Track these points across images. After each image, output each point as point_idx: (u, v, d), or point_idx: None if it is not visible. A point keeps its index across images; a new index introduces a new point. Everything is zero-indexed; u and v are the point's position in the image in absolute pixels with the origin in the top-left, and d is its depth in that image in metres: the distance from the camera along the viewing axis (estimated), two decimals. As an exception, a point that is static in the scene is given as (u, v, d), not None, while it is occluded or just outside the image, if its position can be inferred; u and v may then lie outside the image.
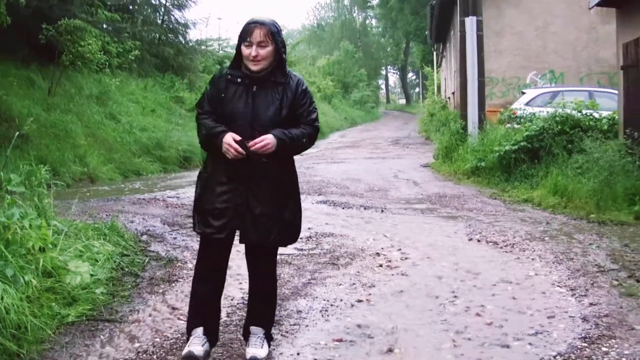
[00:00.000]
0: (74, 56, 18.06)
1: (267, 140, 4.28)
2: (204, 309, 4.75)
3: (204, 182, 4.59)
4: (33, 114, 15.67)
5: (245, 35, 4.36)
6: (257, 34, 4.32)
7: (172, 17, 29.09)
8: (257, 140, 4.27)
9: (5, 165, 6.81)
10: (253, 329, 4.80)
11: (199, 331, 4.69)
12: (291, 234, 4.70)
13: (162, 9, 28.64)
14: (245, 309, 5.13)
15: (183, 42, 28.99)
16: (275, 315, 5.08)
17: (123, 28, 23.17)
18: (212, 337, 4.78)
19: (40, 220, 6.43)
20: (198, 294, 4.75)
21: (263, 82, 4.44)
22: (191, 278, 5.11)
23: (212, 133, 4.40)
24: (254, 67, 4.38)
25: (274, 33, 4.37)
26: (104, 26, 21.94)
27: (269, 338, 4.87)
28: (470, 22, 17.44)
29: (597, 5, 13.49)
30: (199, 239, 4.83)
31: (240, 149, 4.24)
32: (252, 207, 4.43)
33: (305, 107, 4.53)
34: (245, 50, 4.38)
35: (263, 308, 4.84)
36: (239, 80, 4.46)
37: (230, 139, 4.27)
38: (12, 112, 15.59)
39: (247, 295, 5.02)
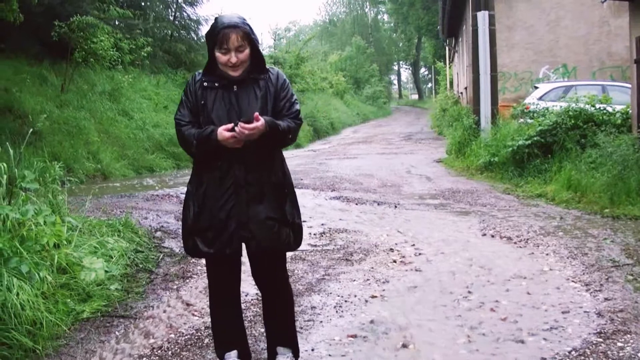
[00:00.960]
0: (86, 53, 18.17)
1: (259, 120, 3.97)
2: (230, 334, 4.51)
3: (201, 199, 4.25)
4: (46, 110, 15.78)
5: (220, 42, 4.07)
6: (234, 39, 4.05)
7: (184, 13, 29.24)
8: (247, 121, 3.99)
9: (19, 162, 6.81)
10: (280, 349, 4.53)
11: (232, 355, 4.47)
12: (297, 234, 4.42)
13: (174, 6, 28.77)
14: (261, 306, 5.00)
15: (195, 38, 29.11)
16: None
17: (135, 25, 23.27)
18: (246, 358, 4.56)
19: (54, 216, 6.46)
20: (219, 320, 4.51)
21: (242, 80, 4.19)
22: (205, 274, 5.12)
23: (202, 137, 4.09)
24: (234, 74, 4.15)
25: (249, 33, 4.11)
26: (116, 23, 22.05)
27: (297, 356, 4.58)
28: (482, 16, 17.39)
29: (610, -1, 13.42)
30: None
31: (238, 129, 3.95)
32: (256, 212, 4.18)
33: (287, 99, 4.29)
34: (222, 57, 4.11)
35: (285, 325, 4.55)
36: (216, 84, 4.20)
37: (222, 130, 4.00)
38: (25, 108, 15.65)
39: (262, 312, 4.71)
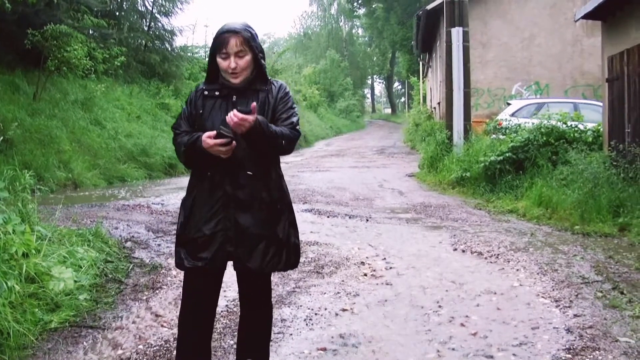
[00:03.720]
0: (59, 61, 18.05)
1: (249, 115, 3.78)
2: (195, 352, 4.25)
3: (188, 209, 4.13)
4: (18, 118, 15.66)
5: (220, 46, 4.00)
6: (234, 44, 3.97)
7: (158, 23, 29.18)
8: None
9: (-11, 170, 6.76)
10: None
11: None
12: (292, 254, 4.24)
13: (149, 16, 28.70)
14: (231, 317, 4.93)
15: (169, 48, 29.06)
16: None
17: (109, 34, 23.20)
18: None
19: (24, 225, 6.42)
20: (187, 335, 4.26)
21: (243, 91, 4.09)
22: (175, 285, 5.10)
23: (190, 142, 4.00)
24: (234, 80, 4.04)
25: (250, 40, 4.01)
26: (90, 32, 21.96)
27: None
28: (457, 32, 17.49)
29: (583, 18, 13.54)
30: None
31: (221, 137, 3.81)
32: (244, 227, 4.02)
33: (285, 109, 4.14)
34: (222, 63, 4.02)
35: (260, 340, 4.42)
36: (216, 93, 4.12)
37: (205, 137, 3.86)
38: (-4, 117, 15.53)
39: (238, 325, 4.52)
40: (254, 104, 3.84)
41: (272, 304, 4.56)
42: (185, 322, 4.26)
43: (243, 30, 4.02)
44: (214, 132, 3.85)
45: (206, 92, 4.15)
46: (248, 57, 4.02)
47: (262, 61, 4.14)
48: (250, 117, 3.76)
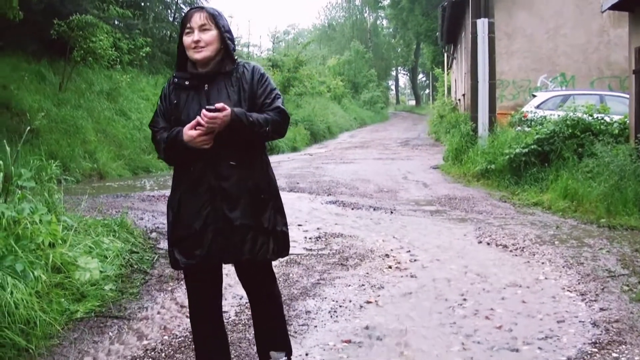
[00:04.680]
0: (85, 52, 18.17)
1: (225, 110, 3.76)
2: (211, 351, 4.26)
3: (175, 207, 4.06)
4: (44, 109, 15.77)
5: (184, 23, 3.98)
6: (197, 17, 3.93)
7: (183, 14, 29.17)
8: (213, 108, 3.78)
9: (15, 159, 6.79)
10: (274, 354, 4.35)
11: None
12: (280, 242, 4.16)
13: (174, 7, 28.82)
14: None
15: (194, 39, 29.05)
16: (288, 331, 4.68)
17: (134, 24, 23.27)
18: None
19: (50, 215, 6.45)
20: (200, 336, 4.28)
21: (214, 77, 4.00)
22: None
23: (170, 139, 3.95)
24: (197, 55, 3.93)
25: (215, 16, 3.97)
26: (116, 22, 22.03)
27: (289, 357, 4.43)
28: (482, 24, 17.38)
29: (610, 9, 13.42)
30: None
31: (200, 115, 3.78)
32: (232, 219, 3.94)
33: (265, 94, 4.04)
34: (186, 40, 3.95)
35: (275, 329, 4.39)
36: (187, 83, 4.02)
37: (186, 129, 3.83)
38: (22, 106, 15.67)
39: (252, 320, 4.54)
40: (220, 104, 3.77)
41: (279, 292, 4.51)
42: (195, 319, 4.25)
43: (209, 7, 4.03)
44: (195, 122, 3.81)
45: (176, 80, 4.07)
46: (213, 32, 3.95)
47: (229, 41, 4.04)
48: (221, 114, 3.74)
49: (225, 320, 4.75)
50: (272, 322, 4.37)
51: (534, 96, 20.02)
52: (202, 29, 3.92)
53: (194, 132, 3.80)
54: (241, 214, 3.96)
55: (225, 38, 4.00)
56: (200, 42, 3.91)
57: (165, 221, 9.56)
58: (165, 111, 4.11)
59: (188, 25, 3.94)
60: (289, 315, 5.77)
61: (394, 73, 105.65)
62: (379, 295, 6.50)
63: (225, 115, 3.75)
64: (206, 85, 3.99)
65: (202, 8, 4.00)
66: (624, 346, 5.04)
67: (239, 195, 3.96)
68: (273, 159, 16.71)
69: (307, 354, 4.98)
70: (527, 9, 24.52)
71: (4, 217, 5.87)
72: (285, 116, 4.07)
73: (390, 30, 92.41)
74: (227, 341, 4.37)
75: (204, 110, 3.74)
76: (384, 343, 5.22)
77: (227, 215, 3.94)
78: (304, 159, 22.63)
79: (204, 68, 4.01)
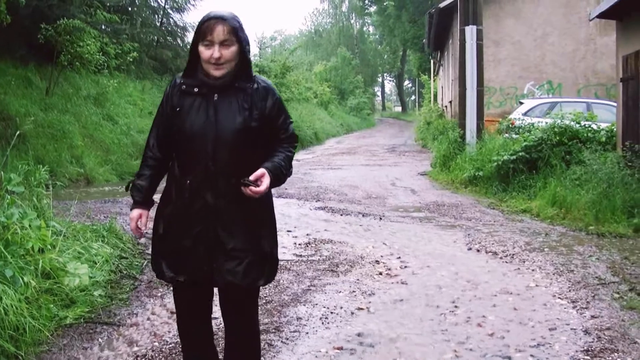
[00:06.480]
0: (72, 56, 18.05)
1: (264, 179, 3.61)
2: None
3: (167, 220, 3.86)
4: (31, 113, 15.66)
5: (204, 33, 3.60)
6: (220, 31, 3.57)
7: (170, 19, 29.25)
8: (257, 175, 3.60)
9: (4, 164, 6.75)
10: None
11: None
12: (271, 267, 3.93)
13: (161, 12, 28.75)
14: None
15: (181, 45, 29.06)
16: None
17: (122, 29, 23.23)
18: None
19: (39, 220, 6.39)
20: (188, 349, 4.09)
21: (225, 88, 3.70)
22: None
23: (132, 188, 4.03)
24: (216, 73, 3.65)
25: (237, 30, 3.62)
26: (103, 27, 21.96)
27: None
28: (470, 31, 17.42)
29: (598, 17, 13.49)
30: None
31: (137, 229, 3.92)
32: (224, 241, 3.71)
33: (280, 121, 3.85)
34: (205, 52, 3.62)
35: None
36: (195, 90, 3.72)
37: (134, 215, 3.94)
38: (9, 111, 15.55)
39: (223, 354, 4.18)
40: (264, 171, 3.63)
41: (260, 330, 4.26)
42: (182, 330, 4.11)
43: (231, 18, 3.65)
44: (142, 215, 4.02)
45: (184, 87, 3.78)
46: (234, 49, 3.64)
47: (248, 55, 3.78)
48: (262, 187, 3.58)
49: (215, 341, 4.55)
50: (245, 356, 4.06)
51: (521, 103, 20.15)
52: (224, 44, 3.61)
53: (134, 219, 3.96)
54: (237, 236, 3.73)
55: (246, 53, 3.74)
56: (221, 59, 3.62)
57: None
58: (166, 118, 3.85)
59: (209, 37, 3.60)
60: (280, 321, 5.77)
61: (380, 79, 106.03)
62: (370, 302, 6.48)
63: (267, 186, 3.61)
64: (216, 95, 3.70)
65: (224, 19, 3.61)
66: (616, 354, 5.05)
67: (235, 216, 3.73)
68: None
69: (299, 361, 4.95)
70: (515, 16, 24.66)
71: (-7, 222, 5.83)
72: (296, 141, 3.96)
73: (377, 37, 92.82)
74: (216, 354, 4.23)
75: (252, 188, 3.57)
76: (376, 350, 5.21)
77: (221, 236, 3.72)
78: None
79: (218, 80, 3.71)
